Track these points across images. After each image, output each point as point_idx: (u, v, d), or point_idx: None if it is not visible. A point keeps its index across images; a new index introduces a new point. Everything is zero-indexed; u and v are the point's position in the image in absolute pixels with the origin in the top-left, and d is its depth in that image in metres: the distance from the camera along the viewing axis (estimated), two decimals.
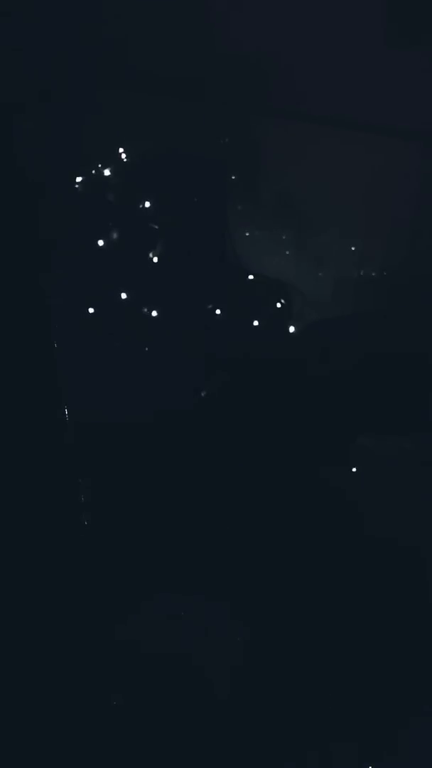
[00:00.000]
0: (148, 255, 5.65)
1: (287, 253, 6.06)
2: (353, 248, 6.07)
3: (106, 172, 5.69)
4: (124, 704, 4.36)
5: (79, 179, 5.62)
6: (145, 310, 5.53)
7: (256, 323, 5.62)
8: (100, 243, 5.57)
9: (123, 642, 4.47)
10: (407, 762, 4.41)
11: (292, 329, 5.64)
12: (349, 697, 4.54)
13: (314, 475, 5.12)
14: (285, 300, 5.72)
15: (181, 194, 5.74)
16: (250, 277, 5.77)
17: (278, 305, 5.70)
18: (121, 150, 5.73)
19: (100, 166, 5.68)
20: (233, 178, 5.90)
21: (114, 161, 5.72)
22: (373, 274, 6.09)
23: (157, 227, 5.68)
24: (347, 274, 6.07)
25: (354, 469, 5.18)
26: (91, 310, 5.44)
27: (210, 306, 5.62)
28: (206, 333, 5.57)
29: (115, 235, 5.62)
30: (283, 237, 6.05)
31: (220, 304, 5.61)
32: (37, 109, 5.08)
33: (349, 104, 5.73)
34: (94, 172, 5.68)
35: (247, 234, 5.96)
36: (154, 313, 5.52)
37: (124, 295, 5.52)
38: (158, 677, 4.48)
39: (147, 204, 5.69)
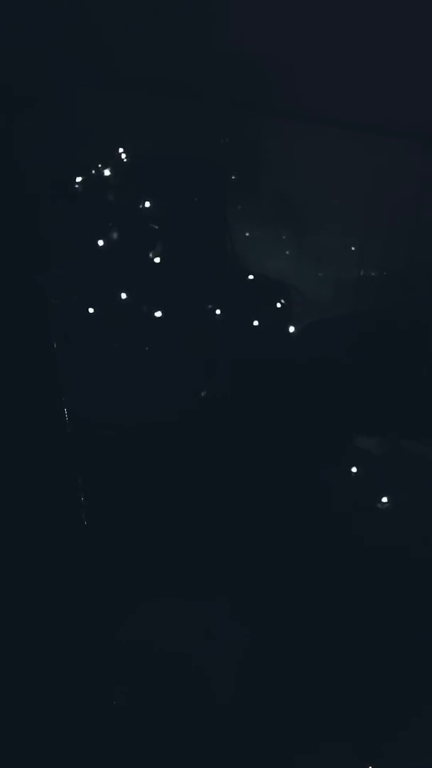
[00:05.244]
0: (148, 255, 5.65)
1: (287, 253, 6.06)
2: (353, 248, 6.07)
3: (106, 172, 5.69)
4: (125, 704, 4.36)
5: (79, 179, 5.62)
6: (145, 310, 5.52)
7: (256, 323, 5.62)
8: (100, 243, 5.57)
9: (123, 642, 4.47)
10: (407, 762, 4.41)
11: (292, 329, 5.64)
12: (350, 697, 4.54)
13: (313, 475, 5.12)
14: (285, 300, 5.72)
15: (181, 194, 5.74)
16: (250, 277, 5.77)
17: (278, 305, 5.70)
18: (121, 150, 5.73)
19: (100, 166, 5.68)
20: (233, 178, 5.90)
21: (114, 161, 5.72)
22: (373, 274, 6.09)
23: (157, 227, 5.68)
24: (347, 274, 6.07)
25: (354, 469, 5.18)
26: (91, 310, 5.44)
27: (210, 306, 5.61)
28: (206, 333, 5.56)
29: (115, 235, 5.62)
30: (283, 237, 6.05)
31: (220, 304, 5.61)
32: (37, 110, 5.09)
33: (350, 104, 5.73)
34: (94, 172, 5.68)
35: (247, 234, 5.95)
36: (155, 313, 5.52)
37: (124, 295, 5.52)
38: (159, 677, 4.48)
39: (147, 204, 5.69)
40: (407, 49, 5.60)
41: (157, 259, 5.66)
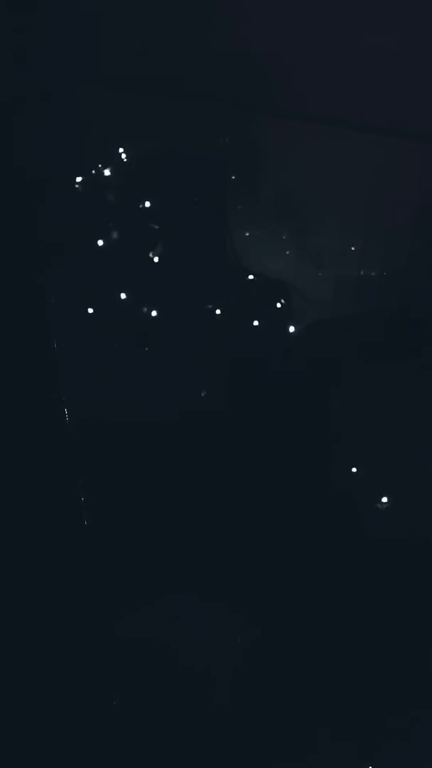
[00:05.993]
0: (148, 255, 5.65)
1: (287, 253, 6.05)
2: (353, 248, 6.07)
3: (106, 172, 5.69)
4: (124, 704, 4.36)
5: (79, 179, 5.62)
6: (145, 310, 5.52)
7: (256, 323, 5.62)
8: (100, 243, 5.57)
9: (123, 642, 4.47)
10: (407, 762, 4.41)
11: (292, 329, 5.64)
12: (349, 697, 4.54)
13: (314, 475, 5.12)
14: (285, 300, 5.71)
15: (181, 194, 5.74)
16: (250, 277, 5.77)
17: (278, 305, 5.70)
18: (121, 150, 5.72)
19: (100, 166, 5.68)
20: (233, 178, 5.89)
21: (114, 161, 5.72)
22: (373, 274, 6.08)
23: (157, 227, 5.67)
24: (347, 274, 6.06)
25: (354, 469, 5.17)
26: (91, 310, 5.44)
27: (210, 306, 5.61)
28: (206, 333, 5.56)
29: (115, 235, 5.62)
30: (283, 237, 6.04)
31: (220, 304, 5.61)
32: (37, 109, 5.09)
33: (350, 104, 5.73)
34: (94, 172, 5.68)
35: (247, 234, 5.95)
36: (154, 313, 5.52)
37: (124, 295, 5.52)
38: (158, 677, 4.48)
39: (147, 204, 5.68)
40: (408, 48, 5.60)
41: (156, 259, 5.66)
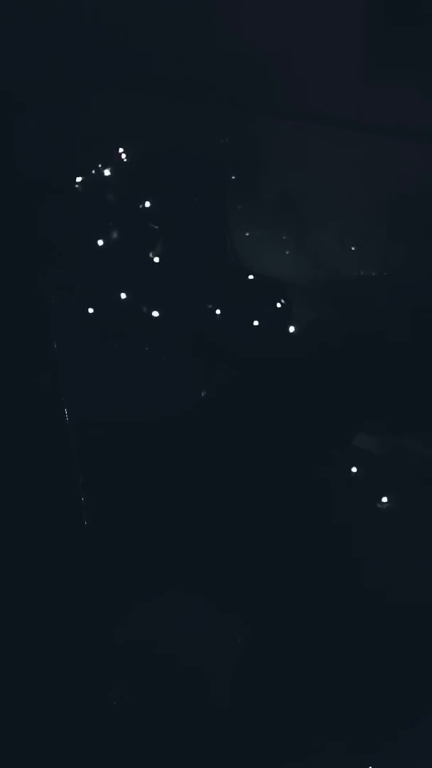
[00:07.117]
0: (148, 255, 5.65)
1: (287, 253, 6.06)
2: (353, 248, 6.07)
3: (106, 172, 5.70)
4: (124, 704, 4.36)
5: (79, 179, 5.63)
6: (145, 310, 5.53)
7: (256, 323, 5.63)
8: (100, 243, 5.58)
9: (122, 642, 4.47)
10: (407, 762, 4.41)
11: (292, 329, 5.64)
12: (349, 698, 4.54)
13: (313, 474, 5.12)
14: (285, 300, 5.72)
15: (181, 194, 5.74)
16: (250, 277, 5.77)
17: (278, 305, 5.70)
18: (121, 150, 5.73)
19: (100, 166, 5.69)
20: (233, 178, 5.90)
21: (114, 161, 5.73)
22: (373, 274, 6.09)
23: (157, 227, 5.68)
24: (347, 274, 6.07)
25: (354, 469, 5.18)
26: (91, 310, 5.44)
27: (210, 306, 5.62)
28: (206, 333, 5.57)
29: (115, 235, 5.63)
30: (283, 237, 6.05)
31: (220, 304, 5.61)
32: (38, 110, 5.09)
33: (350, 104, 5.73)
34: (94, 172, 5.69)
35: (247, 234, 5.96)
36: (154, 313, 5.52)
37: (124, 295, 5.52)
38: (158, 678, 4.48)
39: (147, 204, 5.69)
40: (408, 49, 5.61)
41: (156, 259, 5.66)
